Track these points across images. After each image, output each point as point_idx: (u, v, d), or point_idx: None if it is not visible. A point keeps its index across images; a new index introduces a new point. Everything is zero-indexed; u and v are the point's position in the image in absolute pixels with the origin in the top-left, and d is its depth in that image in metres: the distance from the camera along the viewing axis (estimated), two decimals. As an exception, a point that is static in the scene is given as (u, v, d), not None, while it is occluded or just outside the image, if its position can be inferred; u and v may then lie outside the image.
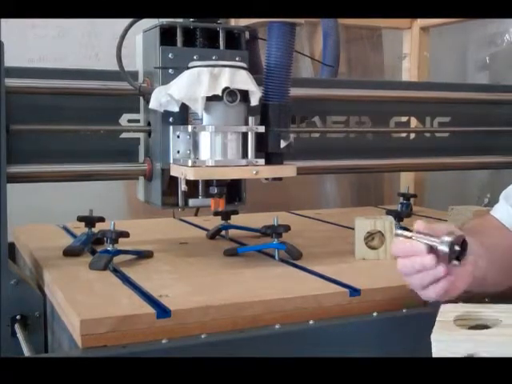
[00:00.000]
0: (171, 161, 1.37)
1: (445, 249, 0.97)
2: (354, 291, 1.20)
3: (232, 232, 1.68)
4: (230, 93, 1.29)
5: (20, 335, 1.24)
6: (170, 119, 1.36)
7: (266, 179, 1.37)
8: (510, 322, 0.87)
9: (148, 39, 1.41)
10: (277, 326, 1.10)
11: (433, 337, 0.86)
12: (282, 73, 1.36)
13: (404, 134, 1.90)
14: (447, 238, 0.97)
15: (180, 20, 1.36)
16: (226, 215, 1.68)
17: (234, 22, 1.47)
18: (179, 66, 1.33)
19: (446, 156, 1.90)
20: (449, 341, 0.86)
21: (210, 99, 1.28)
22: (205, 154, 1.30)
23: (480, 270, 1.05)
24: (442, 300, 1.01)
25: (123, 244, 1.39)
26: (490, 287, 1.15)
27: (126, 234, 1.39)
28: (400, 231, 1.02)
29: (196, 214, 1.98)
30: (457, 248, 0.98)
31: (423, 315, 1.19)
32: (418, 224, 1.01)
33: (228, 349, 1.05)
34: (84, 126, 1.45)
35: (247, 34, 1.46)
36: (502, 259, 1.14)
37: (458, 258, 0.99)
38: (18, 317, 1.27)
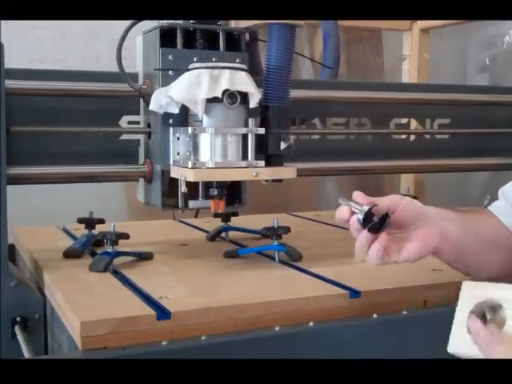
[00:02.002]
0: (171, 162, 1.37)
1: (360, 216, 1.06)
2: (354, 293, 1.20)
3: (232, 234, 1.68)
4: (229, 95, 1.29)
5: (20, 337, 1.24)
6: (170, 121, 1.36)
7: (266, 181, 1.37)
8: None
9: (148, 41, 1.41)
10: (277, 328, 1.10)
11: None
12: (281, 74, 1.36)
13: (404, 136, 1.90)
14: (365, 207, 1.06)
15: (180, 22, 1.36)
16: (226, 217, 1.68)
17: (234, 24, 1.48)
18: (179, 67, 1.34)
19: (446, 158, 1.89)
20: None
21: (210, 101, 1.28)
22: (205, 155, 1.30)
23: (450, 235, 1.11)
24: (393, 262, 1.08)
25: (123, 246, 1.39)
26: (471, 267, 1.17)
27: (125, 236, 1.39)
28: (340, 199, 1.10)
29: (196, 216, 1.99)
30: (375, 219, 1.05)
31: (423, 317, 1.19)
32: (355, 194, 1.10)
33: (228, 350, 1.05)
34: (84, 127, 1.45)
35: (247, 36, 1.46)
36: (488, 241, 1.17)
37: (378, 229, 1.05)
38: (17, 318, 1.27)
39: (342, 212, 1.09)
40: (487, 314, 0.91)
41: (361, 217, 1.06)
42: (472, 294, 0.93)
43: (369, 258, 1.07)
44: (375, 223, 1.05)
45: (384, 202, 1.10)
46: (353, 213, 1.07)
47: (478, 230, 1.18)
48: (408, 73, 2.56)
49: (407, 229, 1.11)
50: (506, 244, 1.18)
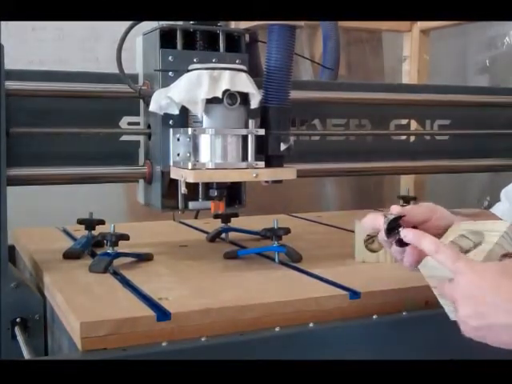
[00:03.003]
0: (171, 163, 1.37)
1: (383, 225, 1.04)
2: (354, 294, 1.20)
3: (232, 235, 1.68)
4: (230, 95, 1.29)
5: (20, 338, 1.24)
6: (170, 122, 1.36)
7: (266, 182, 1.37)
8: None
9: (148, 42, 1.41)
10: (277, 329, 1.10)
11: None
12: (282, 75, 1.36)
13: (404, 137, 1.89)
14: (390, 216, 1.04)
15: (180, 22, 1.36)
16: (226, 218, 1.68)
17: (234, 25, 1.48)
18: (179, 68, 1.34)
19: (445, 159, 1.89)
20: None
21: (210, 102, 1.28)
22: (205, 156, 1.30)
23: None
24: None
25: (123, 247, 1.39)
26: None
27: (126, 237, 1.39)
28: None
29: (196, 217, 1.99)
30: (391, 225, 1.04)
31: (423, 318, 1.19)
32: (392, 208, 1.08)
33: (228, 351, 1.05)
34: (84, 128, 1.45)
35: (247, 37, 1.46)
36: None
37: (390, 234, 1.04)
38: (18, 319, 1.27)
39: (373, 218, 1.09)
40: (467, 236, 0.99)
41: (385, 226, 1.04)
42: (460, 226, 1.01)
43: (408, 264, 1.05)
44: (386, 229, 1.04)
45: (419, 210, 1.08)
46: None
47: None
48: (408, 74, 2.57)
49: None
50: None
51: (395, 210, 1.07)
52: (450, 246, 0.95)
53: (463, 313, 0.88)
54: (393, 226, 1.03)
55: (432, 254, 0.92)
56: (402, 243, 1.03)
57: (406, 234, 0.99)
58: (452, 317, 0.95)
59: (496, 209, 1.24)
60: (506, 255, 0.93)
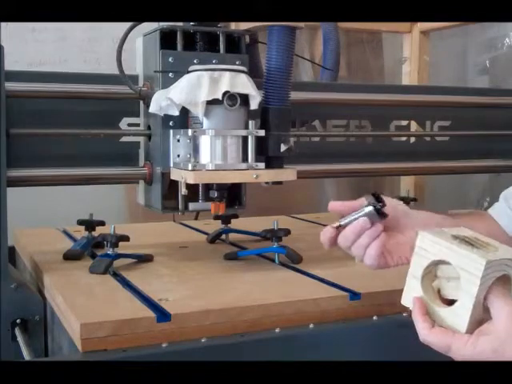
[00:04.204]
0: (171, 165, 1.37)
1: (370, 208, 1.05)
2: (354, 295, 1.20)
3: (232, 236, 1.68)
4: (230, 97, 1.29)
5: (20, 339, 1.24)
6: (170, 123, 1.36)
7: (267, 183, 1.37)
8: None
9: (148, 43, 1.41)
10: (277, 330, 1.10)
11: None
12: (282, 76, 1.36)
13: (404, 138, 1.89)
14: (366, 202, 1.06)
15: (180, 24, 1.36)
16: (226, 219, 1.68)
17: (234, 26, 1.48)
18: (179, 69, 1.34)
19: (446, 160, 1.89)
20: None
21: (211, 103, 1.28)
22: (205, 157, 1.30)
23: None
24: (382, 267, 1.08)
25: (123, 248, 1.39)
26: None
27: (126, 238, 1.39)
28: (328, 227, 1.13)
29: (196, 218, 1.98)
30: (379, 205, 1.06)
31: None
32: (332, 205, 1.14)
33: (228, 353, 1.05)
34: (84, 129, 1.45)
35: (247, 38, 1.46)
36: None
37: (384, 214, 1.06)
38: (18, 321, 1.27)
39: (326, 231, 1.13)
40: (441, 268, 0.90)
41: (371, 208, 1.06)
42: (427, 248, 0.91)
43: (374, 252, 1.06)
44: (382, 206, 1.06)
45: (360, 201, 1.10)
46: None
47: None
48: (408, 75, 2.56)
49: (391, 230, 1.10)
50: None
51: (340, 205, 1.12)
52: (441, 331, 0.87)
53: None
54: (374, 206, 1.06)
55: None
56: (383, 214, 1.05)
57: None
58: None
59: (493, 209, 1.24)
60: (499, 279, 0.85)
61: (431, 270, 0.90)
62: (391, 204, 1.10)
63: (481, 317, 0.85)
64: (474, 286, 0.83)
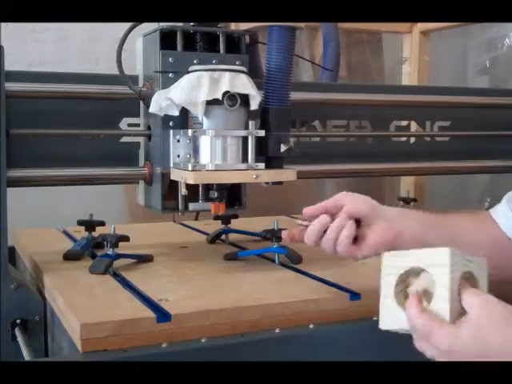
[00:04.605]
0: (171, 165, 1.37)
1: None
2: (354, 295, 1.20)
3: (232, 236, 1.68)
4: (230, 97, 1.29)
5: (20, 339, 1.24)
6: (170, 123, 1.36)
7: (266, 183, 1.37)
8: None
9: (148, 43, 1.41)
10: (277, 330, 1.10)
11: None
12: (282, 77, 1.36)
13: (404, 138, 1.89)
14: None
15: (180, 24, 1.36)
16: (226, 219, 1.68)
17: (234, 26, 1.48)
18: (179, 70, 1.34)
19: (446, 160, 1.89)
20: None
21: (211, 103, 1.28)
22: (205, 158, 1.30)
23: (407, 232, 1.12)
24: (357, 259, 1.11)
25: (123, 248, 1.39)
26: None
27: (126, 238, 1.39)
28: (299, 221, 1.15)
29: (196, 218, 1.99)
30: None
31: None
32: (307, 211, 1.14)
33: (228, 353, 1.05)
34: (84, 130, 1.45)
35: (247, 38, 1.46)
36: (467, 242, 1.15)
37: None
38: (18, 321, 1.27)
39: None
40: (411, 282, 0.91)
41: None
42: (392, 264, 0.92)
43: (347, 240, 1.09)
44: None
45: (331, 200, 1.14)
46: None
47: (457, 230, 1.17)
48: (408, 75, 2.56)
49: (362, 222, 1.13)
50: (491, 246, 1.17)
51: (312, 209, 1.13)
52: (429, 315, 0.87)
53: None
54: None
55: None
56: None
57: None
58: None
59: (494, 209, 1.23)
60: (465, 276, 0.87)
61: (402, 289, 0.91)
62: (361, 199, 1.15)
63: (460, 310, 0.86)
64: (446, 275, 0.85)
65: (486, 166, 1.98)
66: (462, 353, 0.84)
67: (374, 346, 1.13)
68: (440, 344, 0.85)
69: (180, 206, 1.39)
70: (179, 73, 1.33)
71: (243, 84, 1.30)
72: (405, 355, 1.11)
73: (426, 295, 0.89)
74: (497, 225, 1.20)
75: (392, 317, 0.91)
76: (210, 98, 1.27)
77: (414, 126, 1.91)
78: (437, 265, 0.87)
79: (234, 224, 1.70)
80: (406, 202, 2.06)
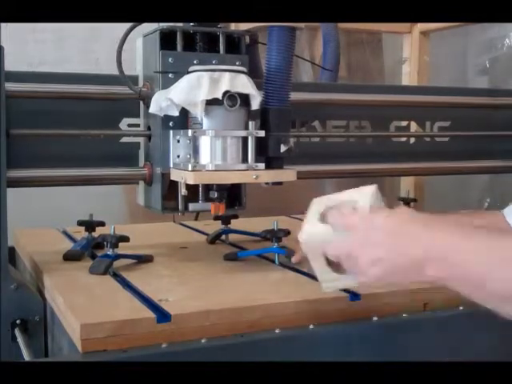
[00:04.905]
0: (171, 165, 1.37)
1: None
2: (354, 296, 1.19)
3: (232, 236, 1.68)
4: (230, 97, 1.29)
5: (20, 339, 1.24)
6: (170, 123, 1.36)
7: (266, 183, 1.37)
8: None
9: (148, 43, 1.41)
10: (277, 331, 1.10)
11: None
12: (282, 77, 1.36)
13: (404, 139, 1.89)
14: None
15: (180, 24, 1.36)
16: (226, 219, 1.68)
17: (234, 27, 1.48)
18: (179, 70, 1.34)
19: (446, 160, 1.89)
20: None
21: (211, 103, 1.28)
22: (205, 158, 1.30)
23: None
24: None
25: (123, 248, 1.39)
26: None
27: (126, 239, 1.39)
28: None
29: (196, 219, 1.99)
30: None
31: (422, 320, 1.19)
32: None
33: (228, 353, 1.05)
34: (84, 130, 1.45)
35: (247, 38, 1.46)
36: None
37: None
38: (18, 321, 1.27)
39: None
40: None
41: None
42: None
43: None
44: None
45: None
46: None
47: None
48: (408, 75, 2.57)
49: None
50: None
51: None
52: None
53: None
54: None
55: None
56: None
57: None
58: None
59: (508, 209, 1.23)
60: None
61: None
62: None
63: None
64: (368, 197, 1.08)
65: (486, 166, 1.98)
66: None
67: (373, 346, 1.13)
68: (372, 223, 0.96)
69: (180, 207, 1.38)
70: (179, 73, 1.33)
71: (243, 84, 1.30)
72: (404, 355, 1.11)
73: None
74: (507, 223, 1.19)
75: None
76: (209, 97, 1.27)
77: (413, 127, 1.91)
78: (362, 193, 1.07)
79: (234, 224, 1.70)
80: (406, 202, 2.06)
